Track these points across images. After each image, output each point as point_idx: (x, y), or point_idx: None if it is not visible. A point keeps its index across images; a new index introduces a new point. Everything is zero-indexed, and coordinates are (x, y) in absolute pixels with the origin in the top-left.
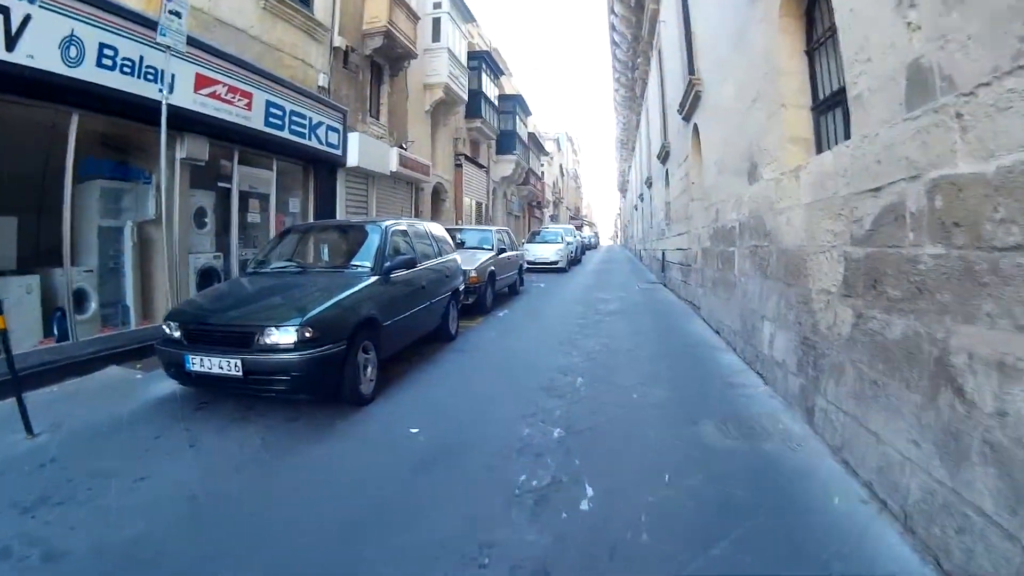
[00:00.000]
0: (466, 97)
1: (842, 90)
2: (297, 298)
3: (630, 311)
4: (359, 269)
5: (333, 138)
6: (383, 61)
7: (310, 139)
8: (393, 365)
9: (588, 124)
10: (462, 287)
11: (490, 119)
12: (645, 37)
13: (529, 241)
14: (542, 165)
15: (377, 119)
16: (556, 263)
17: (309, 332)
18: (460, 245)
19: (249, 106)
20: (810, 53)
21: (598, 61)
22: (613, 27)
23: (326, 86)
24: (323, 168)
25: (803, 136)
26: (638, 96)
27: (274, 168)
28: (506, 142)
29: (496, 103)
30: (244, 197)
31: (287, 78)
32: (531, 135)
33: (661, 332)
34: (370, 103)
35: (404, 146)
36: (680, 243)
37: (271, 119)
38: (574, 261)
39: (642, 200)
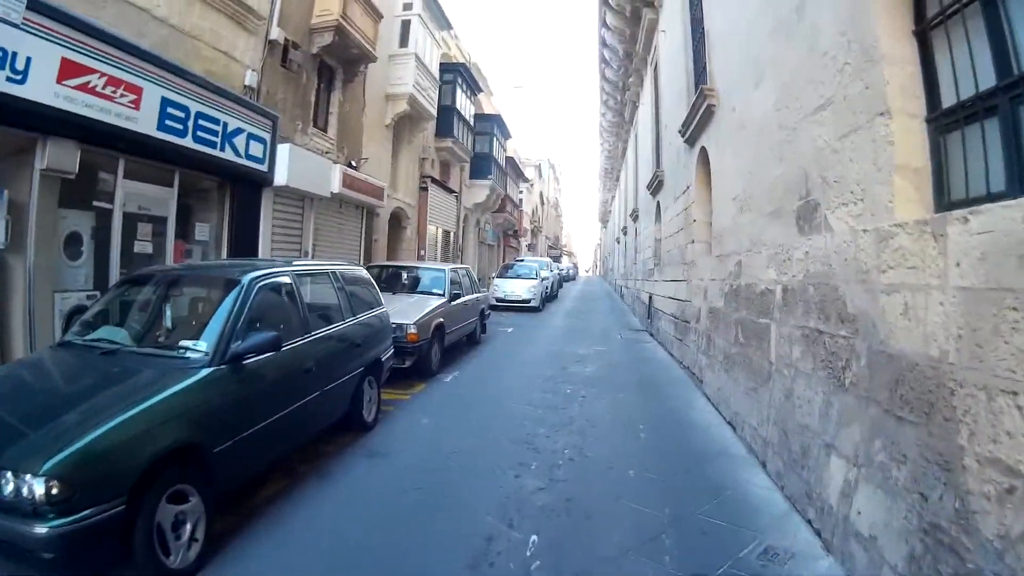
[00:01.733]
0: (435, 113)
1: (997, 91)
2: (65, 414)
3: (612, 379)
4: (188, 355)
5: (256, 150)
6: (335, 63)
7: (223, 149)
8: (260, 488)
9: (571, 151)
10: (389, 353)
11: (464, 139)
12: (639, 52)
13: (500, 275)
14: (521, 192)
15: (324, 131)
16: (528, 301)
17: (57, 487)
18: (409, 286)
19: (137, 104)
20: (923, 35)
21: (585, 85)
22: (604, 42)
23: (254, 86)
24: (244, 186)
25: (913, 164)
26: (626, 121)
27: (175, 184)
28: (481, 165)
29: (472, 122)
30: (132, 220)
31: (200, 72)
32: (510, 159)
33: (655, 423)
34: (315, 111)
35: (354, 164)
36: (673, 291)
37: (168, 122)
38: (550, 297)
39: (625, 234)
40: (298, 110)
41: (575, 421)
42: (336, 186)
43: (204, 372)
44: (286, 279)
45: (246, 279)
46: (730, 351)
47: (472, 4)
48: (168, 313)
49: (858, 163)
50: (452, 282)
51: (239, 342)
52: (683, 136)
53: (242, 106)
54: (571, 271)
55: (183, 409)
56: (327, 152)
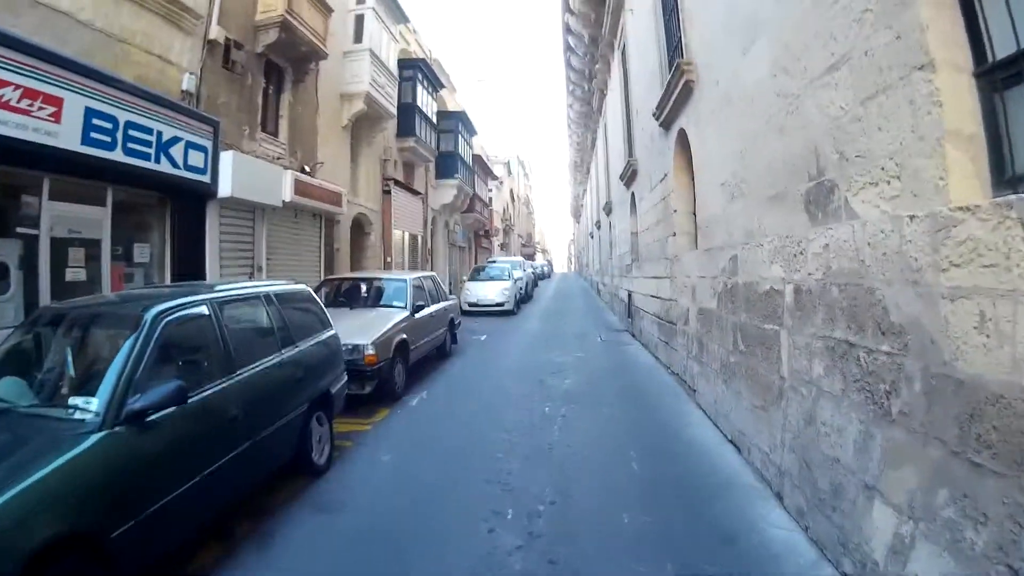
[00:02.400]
0: (395, 111)
1: None
2: None
3: (595, 392)
4: (77, 415)
5: (196, 159)
6: (283, 62)
7: (158, 161)
8: (188, 559)
9: (541, 146)
10: (341, 382)
11: (427, 138)
12: (605, 36)
13: (471, 279)
14: (490, 191)
15: (274, 135)
16: (502, 305)
17: None
18: (369, 300)
19: (57, 116)
20: None
21: (551, 77)
22: (568, 28)
23: (193, 90)
24: (185, 200)
25: (966, 130)
26: (595, 111)
27: (108, 203)
28: (447, 165)
29: (435, 120)
30: (62, 245)
31: (130, 79)
32: (477, 157)
33: (648, 447)
34: (264, 115)
35: (308, 169)
36: (655, 289)
37: (94, 135)
38: (525, 298)
39: (599, 228)
40: (244, 114)
41: (555, 449)
42: (288, 194)
43: (94, 438)
44: (202, 310)
45: (148, 315)
46: (728, 360)
47: (436, 10)
48: (68, 360)
49: (889, 132)
50: (416, 293)
51: (138, 396)
52: (658, 119)
53: (179, 112)
54: (546, 269)
55: (67, 488)
56: (278, 158)
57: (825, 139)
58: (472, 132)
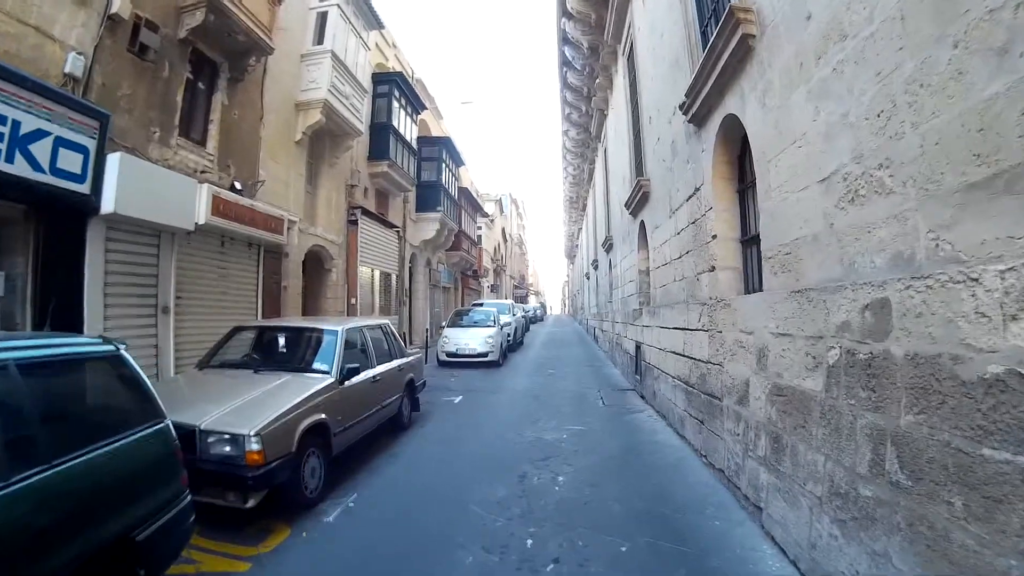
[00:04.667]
0: (363, 129)
1: None
2: None
3: (601, 501)
4: None
5: (71, 162)
6: (216, 55)
7: (10, 160)
8: None
9: (535, 185)
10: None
11: (405, 165)
12: (608, 41)
13: (450, 324)
14: (479, 228)
15: (199, 143)
16: (485, 355)
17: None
18: (283, 361)
19: None
20: None
21: (545, 114)
22: (565, 37)
23: (80, 75)
24: (58, 216)
25: None
26: (593, 138)
27: None
28: (428, 196)
29: (414, 145)
30: None
31: None
32: (464, 190)
33: None
34: (185, 116)
35: (239, 187)
36: (680, 344)
37: None
38: (514, 345)
39: (596, 268)
40: (155, 112)
41: None
42: (204, 215)
43: None
44: None
45: None
46: (857, 490)
47: (424, 34)
48: None
49: None
50: (349, 351)
51: None
52: (688, 113)
53: (47, 98)
54: (539, 312)
55: None
56: (202, 171)
57: None
58: (459, 162)
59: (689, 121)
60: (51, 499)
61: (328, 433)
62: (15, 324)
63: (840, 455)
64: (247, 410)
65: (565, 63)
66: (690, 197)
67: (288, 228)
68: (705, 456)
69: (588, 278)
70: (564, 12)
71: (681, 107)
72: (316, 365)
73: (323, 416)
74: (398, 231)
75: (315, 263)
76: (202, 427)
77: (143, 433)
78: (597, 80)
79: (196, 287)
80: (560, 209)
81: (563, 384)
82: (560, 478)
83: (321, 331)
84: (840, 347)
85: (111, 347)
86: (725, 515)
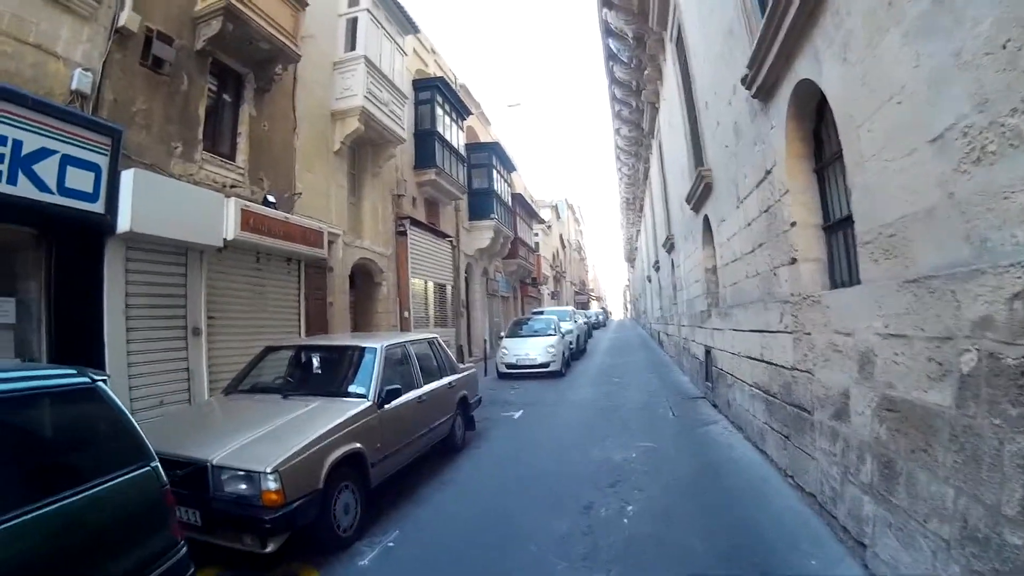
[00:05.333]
0: (406, 136)
1: None
2: None
3: (677, 533)
4: None
5: (82, 180)
6: (240, 65)
7: (13, 182)
8: None
9: (590, 188)
10: None
11: (454, 172)
12: (654, 27)
13: (509, 334)
14: (536, 235)
15: (228, 157)
16: (547, 365)
17: None
18: (315, 384)
19: None
20: None
21: (596, 114)
22: (608, 29)
23: (88, 91)
24: (70, 237)
25: None
26: (646, 134)
27: None
28: (481, 204)
29: (463, 152)
30: None
31: None
32: (517, 196)
33: None
34: (209, 129)
35: (272, 200)
36: (757, 347)
37: None
38: (577, 353)
39: (657, 270)
40: (174, 126)
41: None
42: (233, 230)
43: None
44: None
45: None
46: (1006, 537)
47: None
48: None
49: None
50: (390, 368)
51: None
52: (752, 87)
53: (52, 116)
54: (601, 317)
55: None
56: (232, 185)
57: None
58: (510, 167)
59: (753, 96)
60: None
61: (364, 463)
62: (31, 351)
63: (979, 489)
64: (267, 442)
65: (611, 57)
66: (760, 182)
67: (330, 241)
68: (792, 477)
69: (649, 281)
70: (604, 1)
71: (743, 81)
72: (352, 388)
73: (358, 445)
74: (451, 240)
75: (364, 277)
76: (214, 462)
77: (124, 477)
78: (645, 72)
79: (230, 306)
80: (617, 212)
81: (629, 394)
82: (630, 508)
83: (358, 349)
84: (978, 350)
85: (85, 379)
86: (821, 551)
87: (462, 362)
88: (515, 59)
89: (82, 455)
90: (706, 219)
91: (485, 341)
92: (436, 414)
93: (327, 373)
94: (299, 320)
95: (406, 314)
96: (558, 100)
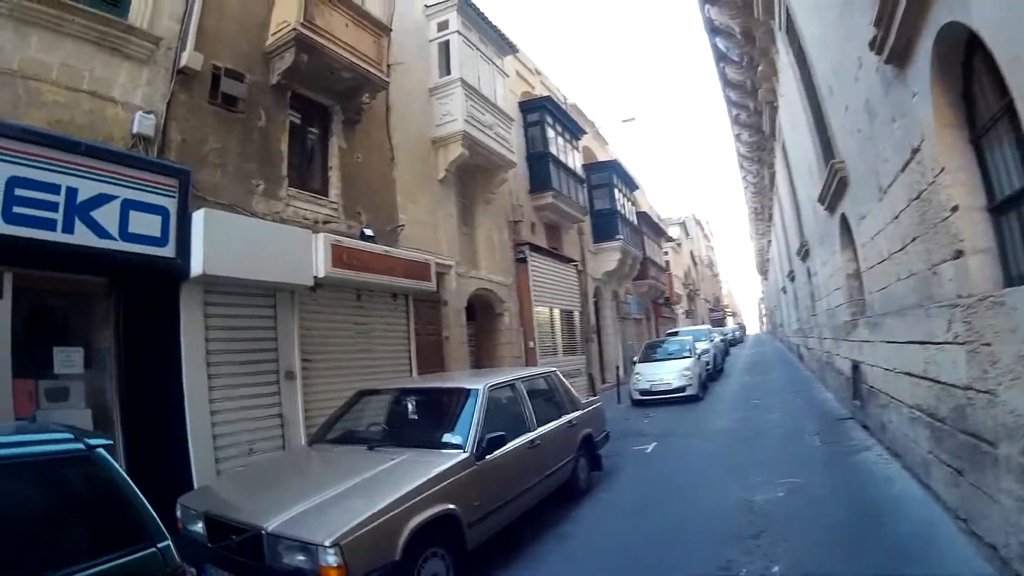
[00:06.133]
0: (515, 159)
1: None
2: None
3: None
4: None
5: (147, 225)
6: (323, 97)
7: (69, 230)
8: None
9: (715, 202)
10: None
11: (572, 193)
12: (760, 16)
13: (642, 359)
14: (666, 253)
15: (319, 193)
16: (683, 390)
17: None
18: (408, 434)
19: None
20: None
21: (713, 122)
22: (713, 26)
23: (151, 133)
24: (140, 284)
25: None
26: (767, 136)
27: (7, 290)
28: (605, 225)
29: (580, 172)
30: None
31: (39, 124)
32: (643, 215)
33: None
34: (295, 164)
35: (368, 233)
36: (919, 362)
37: None
38: (714, 374)
39: (792, 280)
40: (253, 163)
41: None
42: (323, 268)
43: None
44: None
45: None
46: None
47: (568, 60)
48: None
49: None
50: (495, 412)
51: None
52: (883, 50)
53: (109, 161)
54: (737, 333)
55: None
56: (325, 221)
57: None
58: (632, 185)
59: (886, 62)
60: None
61: (458, 525)
62: (104, 401)
63: None
64: (335, 506)
65: (721, 58)
66: (905, 165)
67: (441, 273)
68: (965, 521)
69: (784, 292)
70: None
71: (871, 45)
72: (446, 438)
73: (450, 506)
74: (575, 265)
75: (484, 308)
76: (269, 529)
77: (122, 560)
78: (759, 69)
79: (328, 347)
80: (745, 223)
81: (770, 418)
82: (775, 568)
83: (456, 392)
84: None
85: (79, 445)
86: None
87: (593, 391)
88: (623, 72)
89: (71, 533)
90: (843, 218)
91: (618, 367)
92: (553, 459)
93: (421, 420)
94: (409, 358)
95: (531, 344)
96: (673, 110)
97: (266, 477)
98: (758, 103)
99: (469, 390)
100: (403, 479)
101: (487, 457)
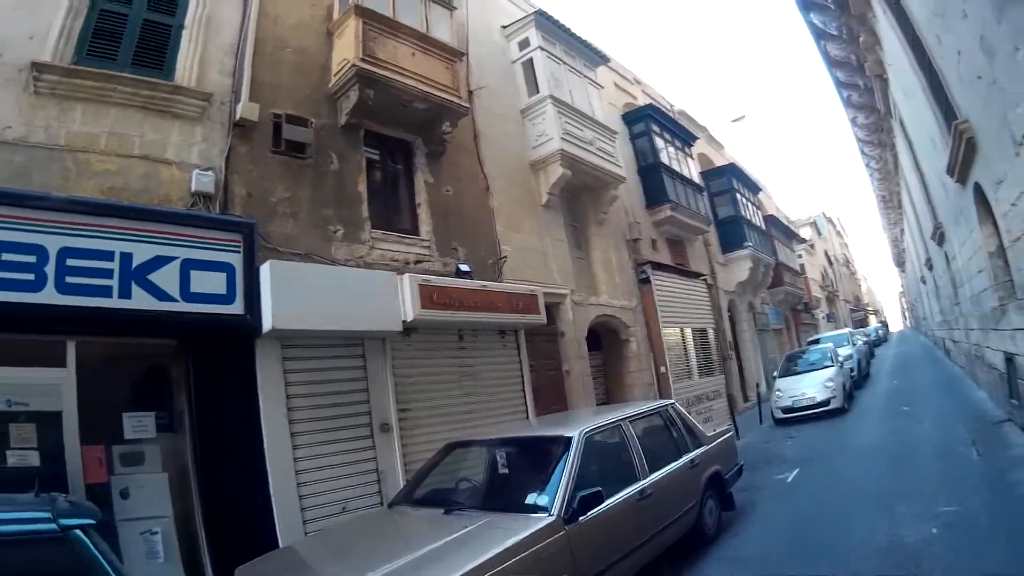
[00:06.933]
0: (622, 172)
1: None
2: None
3: None
4: None
5: (209, 283)
6: (399, 131)
7: (126, 295)
8: None
9: (843, 196)
10: None
11: (692, 203)
12: None
13: (781, 373)
14: (799, 256)
15: (408, 231)
16: (827, 404)
17: None
18: (496, 494)
19: None
20: None
21: (827, 109)
22: (804, 3)
23: (211, 190)
24: (209, 344)
25: None
26: (883, 114)
27: (70, 361)
28: (731, 233)
29: (697, 180)
30: None
31: (91, 194)
32: (770, 218)
33: None
34: (373, 205)
35: (465, 268)
36: None
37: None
38: (859, 381)
39: (931, 269)
40: (329, 209)
41: None
42: (411, 311)
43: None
44: None
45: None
46: None
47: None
48: None
49: None
50: (592, 461)
51: None
52: None
53: (163, 223)
54: (880, 332)
55: None
56: (418, 261)
57: None
58: (753, 188)
59: None
60: None
61: None
62: (184, 465)
63: None
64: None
65: (820, 36)
66: None
67: (556, 303)
68: None
69: (924, 283)
70: None
71: None
72: (529, 499)
73: None
74: (704, 279)
75: (609, 335)
76: None
77: None
78: (860, 39)
79: (428, 394)
80: (876, 213)
81: (920, 428)
82: None
83: (547, 441)
84: None
85: (52, 526)
86: None
87: (733, 413)
88: (725, 72)
89: None
90: (977, 188)
91: (758, 384)
92: (671, 507)
93: (511, 475)
94: (524, 397)
95: (662, 369)
96: (784, 106)
97: (327, 547)
98: (867, 79)
99: (560, 438)
100: (473, 552)
101: (580, 519)
